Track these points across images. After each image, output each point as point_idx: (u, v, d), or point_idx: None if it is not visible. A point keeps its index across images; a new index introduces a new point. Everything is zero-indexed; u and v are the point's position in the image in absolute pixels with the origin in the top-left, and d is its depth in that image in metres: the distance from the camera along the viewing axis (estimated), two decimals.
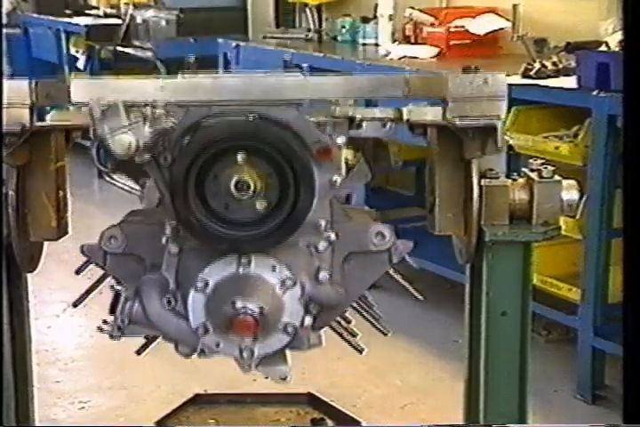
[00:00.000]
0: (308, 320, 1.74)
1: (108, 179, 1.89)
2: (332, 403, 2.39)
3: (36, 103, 1.67)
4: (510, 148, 1.79)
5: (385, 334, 1.92)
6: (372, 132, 2.12)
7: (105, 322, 1.80)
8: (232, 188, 1.63)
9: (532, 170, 1.77)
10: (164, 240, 1.71)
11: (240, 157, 1.62)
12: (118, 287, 1.80)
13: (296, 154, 1.63)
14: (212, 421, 2.29)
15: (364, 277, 1.80)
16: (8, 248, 1.75)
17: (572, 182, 1.76)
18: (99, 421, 3.67)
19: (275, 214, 1.66)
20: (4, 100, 1.63)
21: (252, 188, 1.62)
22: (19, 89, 1.65)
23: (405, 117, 2.03)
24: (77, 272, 1.83)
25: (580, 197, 1.77)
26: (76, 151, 1.97)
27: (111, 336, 1.79)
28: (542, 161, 1.79)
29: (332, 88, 1.69)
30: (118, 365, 3.91)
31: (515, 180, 1.78)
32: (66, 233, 1.91)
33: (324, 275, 1.74)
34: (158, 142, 1.65)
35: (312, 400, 2.37)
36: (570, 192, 1.74)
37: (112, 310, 1.79)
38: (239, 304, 1.65)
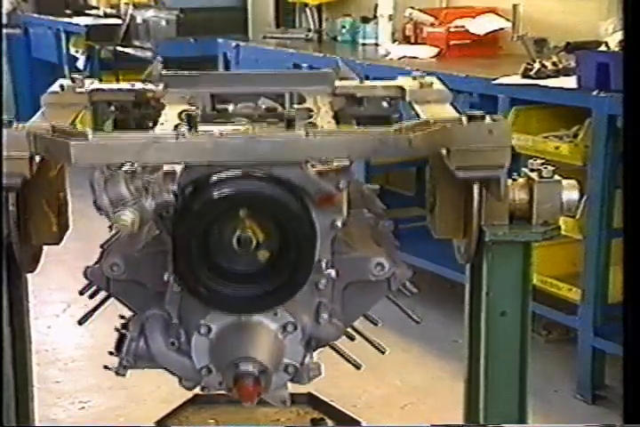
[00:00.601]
0: (309, 358, 1.77)
1: None
2: (332, 403, 2.39)
3: (34, 154, 1.63)
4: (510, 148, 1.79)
5: (382, 353, 1.94)
6: (373, 110, 2.12)
7: (110, 353, 1.81)
8: (234, 243, 1.63)
9: (532, 170, 1.77)
10: (166, 277, 1.70)
11: (242, 213, 1.62)
12: (123, 331, 1.80)
13: (297, 217, 1.62)
14: (211, 421, 2.29)
15: (362, 303, 1.82)
16: (8, 248, 1.74)
17: (573, 182, 1.76)
18: (99, 421, 3.67)
19: (276, 268, 1.66)
20: (4, 152, 1.60)
21: (254, 242, 1.63)
22: (17, 141, 1.61)
23: (408, 99, 2.04)
24: (81, 293, 1.82)
25: (580, 197, 1.76)
26: None
27: (117, 373, 1.80)
28: (542, 161, 1.79)
29: (334, 148, 1.64)
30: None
31: (515, 180, 1.78)
32: (67, 229, 1.91)
33: (324, 316, 1.75)
34: (160, 215, 1.65)
35: (312, 400, 2.36)
36: (570, 192, 1.74)
37: (118, 348, 1.80)
38: (242, 368, 1.65)
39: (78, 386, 3.99)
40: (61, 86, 2.04)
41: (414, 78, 2.11)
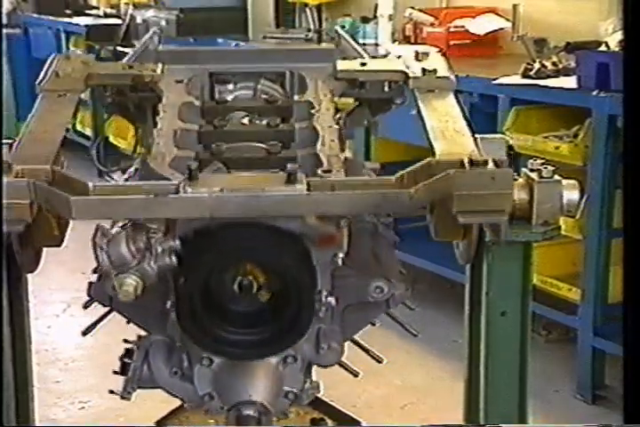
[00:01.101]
0: (308, 384, 1.78)
1: (107, 179, 1.87)
2: (332, 403, 2.39)
3: (35, 201, 1.60)
4: (510, 148, 1.78)
5: (379, 362, 1.94)
6: (375, 94, 2.10)
7: (115, 373, 1.82)
8: (235, 288, 1.64)
9: (532, 170, 1.76)
10: (168, 305, 1.68)
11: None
12: (127, 360, 1.81)
13: (297, 269, 1.62)
14: (212, 421, 2.29)
15: (360, 322, 1.82)
16: (8, 248, 1.74)
17: (573, 182, 1.76)
18: (99, 421, 3.67)
19: (277, 310, 1.65)
20: (4, 201, 1.57)
21: (255, 286, 1.63)
22: (18, 191, 1.58)
23: (411, 86, 2.01)
24: (85, 307, 1.82)
25: (581, 197, 1.76)
26: (76, 151, 1.96)
27: (122, 397, 1.80)
28: (542, 161, 1.78)
29: (335, 204, 1.60)
30: (118, 365, 3.90)
31: (515, 180, 1.78)
32: (67, 230, 1.91)
33: (324, 346, 1.75)
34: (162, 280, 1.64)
35: (312, 400, 2.36)
36: (570, 192, 1.74)
37: (122, 372, 1.81)
38: (244, 412, 1.67)
39: (78, 386, 4.00)
40: (56, 73, 2.02)
41: (417, 57, 2.08)
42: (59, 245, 1.85)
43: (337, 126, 1.87)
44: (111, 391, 1.82)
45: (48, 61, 2.09)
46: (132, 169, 2.02)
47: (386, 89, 2.14)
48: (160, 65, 2.08)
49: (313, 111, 1.90)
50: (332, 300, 1.72)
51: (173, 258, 1.61)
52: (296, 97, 2.02)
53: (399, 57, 2.15)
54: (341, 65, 2.09)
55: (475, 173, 1.60)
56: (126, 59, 2.21)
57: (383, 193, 1.59)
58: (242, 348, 1.67)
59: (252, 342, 1.66)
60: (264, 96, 2.08)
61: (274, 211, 1.58)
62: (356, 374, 1.97)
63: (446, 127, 1.81)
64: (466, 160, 1.61)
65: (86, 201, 1.57)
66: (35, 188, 1.58)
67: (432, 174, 1.60)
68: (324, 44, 2.27)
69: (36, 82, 2.01)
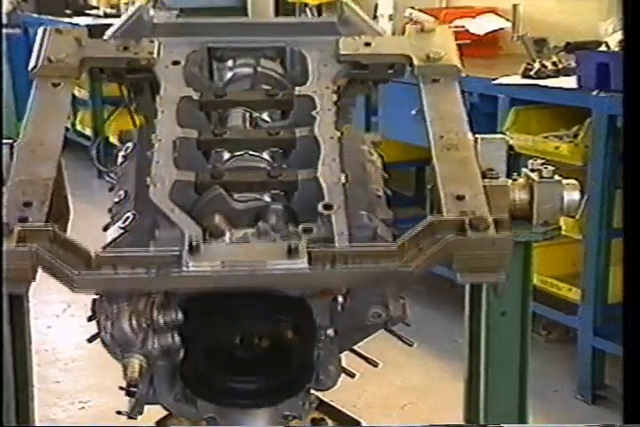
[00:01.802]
0: (308, 406, 1.82)
1: (107, 179, 1.86)
2: (332, 403, 2.39)
3: (37, 264, 1.57)
4: (510, 148, 1.78)
5: (375, 366, 1.95)
6: (377, 75, 2.08)
7: (121, 388, 1.81)
8: (237, 341, 1.65)
9: (533, 170, 1.76)
10: (169, 340, 1.68)
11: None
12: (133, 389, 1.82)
13: (299, 335, 1.63)
14: None
15: (356, 338, 1.84)
16: None
17: (573, 182, 1.75)
18: (99, 421, 3.67)
19: (277, 357, 1.66)
20: (4, 266, 1.54)
21: (257, 338, 1.65)
22: (20, 257, 1.55)
23: (416, 73, 1.96)
24: (89, 320, 1.82)
25: (581, 198, 1.76)
26: (76, 151, 1.96)
27: (129, 417, 1.82)
28: (542, 161, 1.78)
29: (335, 279, 1.60)
30: (118, 365, 3.90)
31: (515, 180, 1.78)
32: (66, 230, 1.90)
33: (323, 379, 1.77)
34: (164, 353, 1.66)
35: None
36: (570, 192, 1.73)
37: (128, 394, 1.82)
38: None
39: (78, 386, 4.00)
40: (49, 59, 1.99)
41: (422, 30, 2.04)
42: None
43: (338, 134, 1.83)
44: (118, 412, 1.83)
45: (39, 36, 2.03)
46: (129, 144, 2.01)
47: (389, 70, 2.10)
48: (156, 44, 2.02)
49: (314, 113, 1.87)
50: (330, 332, 1.73)
51: (176, 338, 1.63)
52: (297, 89, 1.95)
53: (403, 33, 2.09)
54: (344, 45, 2.01)
55: (475, 239, 1.57)
56: (118, 25, 2.10)
57: (385, 268, 1.57)
58: (241, 398, 1.69)
59: (250, 391, 1.68)
60: (265, 87, 2.04)
61: (275, 284, 1.60)
62: (352, 376, 1.97)
63: (450, 138, 1.78)
64: (467, 222, 1.58)
65: (89, 277, 1.56)
66: (37, 255, 1.56)
67: (433, 234, 1.58)
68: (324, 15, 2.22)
69: (29, 67, 1.97)
